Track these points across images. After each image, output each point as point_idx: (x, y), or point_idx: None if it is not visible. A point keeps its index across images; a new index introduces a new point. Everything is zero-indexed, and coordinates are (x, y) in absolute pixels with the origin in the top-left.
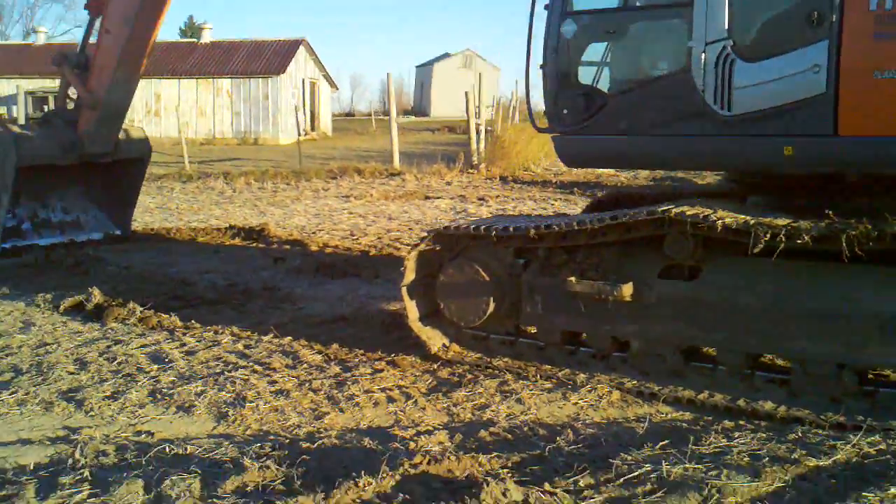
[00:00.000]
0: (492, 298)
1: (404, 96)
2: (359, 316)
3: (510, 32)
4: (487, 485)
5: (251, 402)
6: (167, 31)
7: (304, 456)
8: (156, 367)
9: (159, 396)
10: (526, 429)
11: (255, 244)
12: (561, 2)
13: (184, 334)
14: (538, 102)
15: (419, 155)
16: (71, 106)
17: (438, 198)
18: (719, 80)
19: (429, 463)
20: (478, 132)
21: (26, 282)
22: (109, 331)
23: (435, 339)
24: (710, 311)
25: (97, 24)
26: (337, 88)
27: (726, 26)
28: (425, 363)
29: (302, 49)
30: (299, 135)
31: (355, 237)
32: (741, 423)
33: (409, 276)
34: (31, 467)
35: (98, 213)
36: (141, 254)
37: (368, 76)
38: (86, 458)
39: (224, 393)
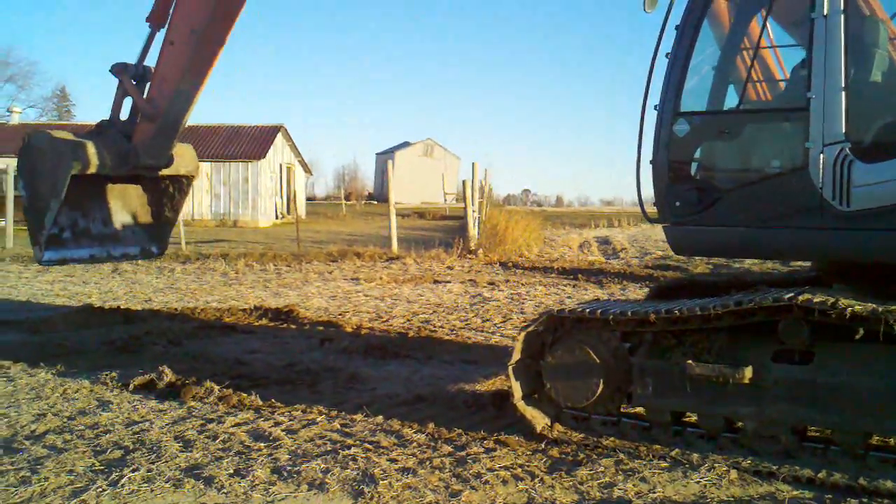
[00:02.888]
0: (601, 380)
1: (363, 182)
2: (437, 396)
3: (469, 122)
4: None
5: (381, 479)
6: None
7: None
8: (262, 444)
9: (285, 474)
10: None
11: (285, 325)
12: (672, 103)
13: (272, 413)
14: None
15: (408, 240)
16: (124, 117)
17: (448, 282)
18: (838, 178)
19: None
20: (474, 219)
21: (76, 361)
22: (193, 409)
23: (538, 419)
24: (826, 394)
25: (157, 35)
26: (311, 174)
27: (843, 129)
28: (530, 443)
29: (279, 134)
30: (277, 217)
31: (384, 319)
32: (864, 501)
33: (516, 356)
34: None
35: (136, 227)
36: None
37: (323, 161)
38: None
39: (349, 471)
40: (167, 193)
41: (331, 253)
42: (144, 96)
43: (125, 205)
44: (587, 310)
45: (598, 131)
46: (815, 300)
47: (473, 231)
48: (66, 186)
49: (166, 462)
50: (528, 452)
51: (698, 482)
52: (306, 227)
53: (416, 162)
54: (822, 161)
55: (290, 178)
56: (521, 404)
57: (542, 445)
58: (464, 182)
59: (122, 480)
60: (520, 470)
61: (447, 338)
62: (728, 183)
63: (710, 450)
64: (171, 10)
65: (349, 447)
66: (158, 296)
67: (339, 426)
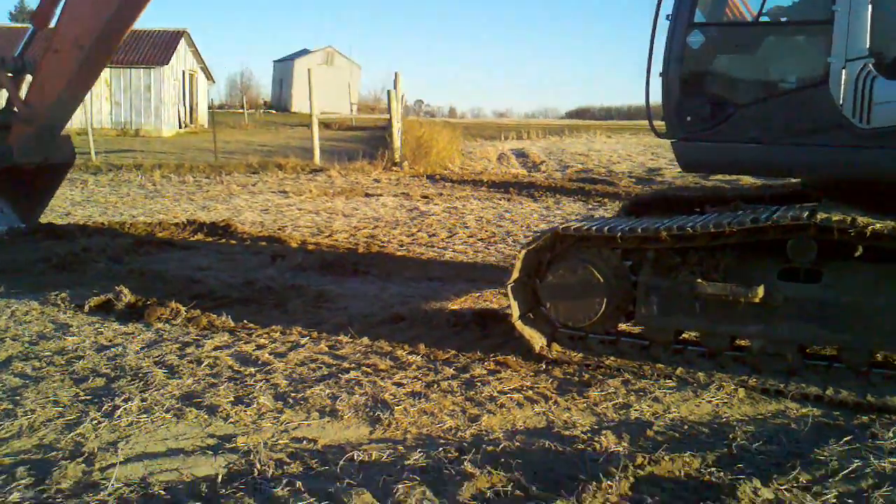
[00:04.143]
0: (604, 299)
1: (258, 90)
2: (416, 315)
3: (369, 30)
4: (739, 484)
5: (394, 405)
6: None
7: (509, 459)
8: (252, 369)
9: (290, 401)
10: (686, 427)
11: (223, 240)
12: (687, 13)
13: (249, 335)
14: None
15: (326, 152)
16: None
17: (379, 195)
18: (859, 94)
19: (649, 464)
20: (398, 131)
21: (15, 281)
22: (162, 332)
23: (535, 339)
24: (834, 313)
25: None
26: (213, 81)
27: (867, 45)
28: (529, 363)
29: (182, 39)
30: (180, 127)
31: (326, 234)
32: (872, 417)
33: (516, 275)
34: (220, 479)
35: (5, 206)
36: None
37: (215, 69)
38: (267, 468)
39: (357, 396)
40: (41, 179)
41: (251, 164)
42: (23, 96)
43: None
44: (594, 227)
45: (487, 38)
46: (834, 218)
47: (397, 143)
48: None
49: (157, 390)
50: (531, 374)
51: (709, 401)
52: (210, 137)
53: (317, 70)
54: (843, 77)
55: (193, 85)
56: (518, 324)
57: (543, 366)
58: (389, 92)
59: (118, 412)
60: (531, 392)
61: (399, 253)
62: (743, 97)
63: (710, 368)
64: (57, 14)
65: (347, 371)
66: (78, 209)
67: (326, 348)
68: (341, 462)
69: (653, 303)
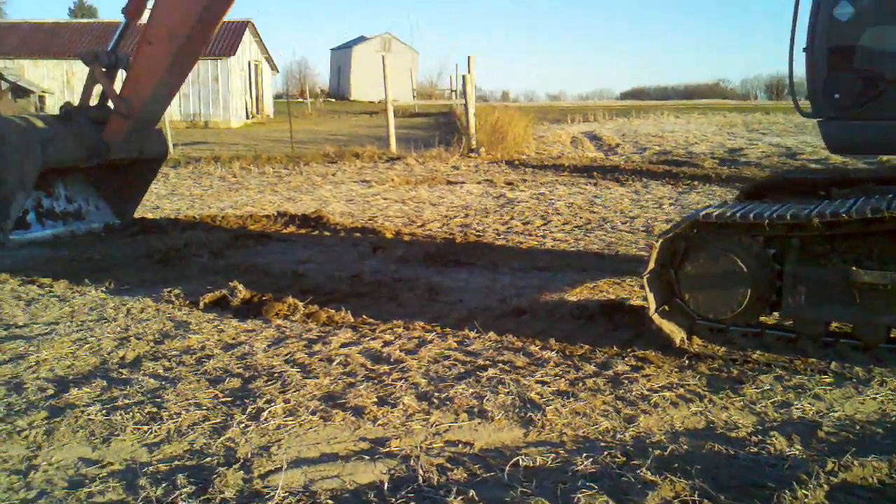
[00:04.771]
0: (749, 289)
1: (315, 79)
2: (536, 308)
3: (425, 17)
4: None
5: (544, 405)
6: (61, 11)
7: (684, 465)
8: (386, 367)
9: (435, 401)
10: (857, 428)
11: (317, 232)
12: None
13: (372, 331)
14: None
15: (397, 139)
16: (94, 102)
17: (462, 183)
18: None
19: (840, 469)
20: (468, 116)
21: (120, 277)
22: (283, 328)
23: (675, 332)
24: None
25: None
26: (277, 71)
27: None
28: (670, 358)
29: (247, 30)
30: (247, 117)
31: (418, 224)
32: None
33: (651, 265)
34: (386, 487)
35: (101, 202)
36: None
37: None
38: (430, 474)
39: (502, 396)
40: (134, 174)
41: (327, 154)
42: (119, 91)
43: (90, 183)
44: (737, 213)
45: (534, 20)
46: None
47: (473, 129)
48: (35, 179)
49: (296, 391)
50: (676, 369)
51: (874, 398)
52: (280, 126)
53: (374, 58)
54: None
55: (258, 76)
56: (656, 317)
57: (686, 361)
58: (464, 77)
59: (263, 415)
60: (682, 390)
61: (498, 243)
62: None
63: (867, 362)
64: (149, 5)
65: (484, 368)
66: (165, 202)
67: (455, 344)
68: (507, 468)
69: (801, 293)
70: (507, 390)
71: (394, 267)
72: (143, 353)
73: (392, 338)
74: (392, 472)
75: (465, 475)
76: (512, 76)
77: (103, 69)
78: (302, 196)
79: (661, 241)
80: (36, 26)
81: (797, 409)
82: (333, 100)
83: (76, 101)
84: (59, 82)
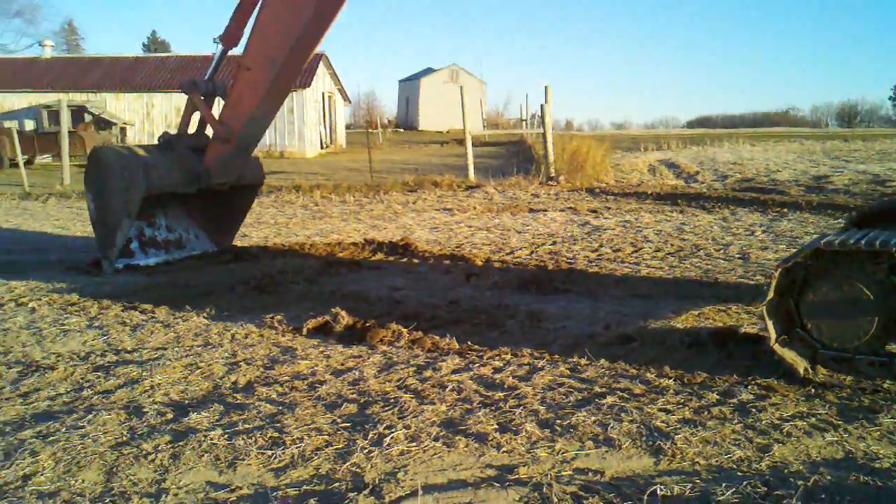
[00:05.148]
0: (875, 317)
1: (383, 110)
2: (644, 335)
3: (490, 48)
4: None
5: (671, 433)
6: (135, 46)
7: (833, 496)
8: (500, 393)
9: (558, 429)
10: None
11: (405, 259)
12: None
13: (479, 357)
14: None
15: (459, 168)
16: (192, 130)
17: (544, 210)
18: None
19: None
20: (545, 146)
21: (220, 304)
22: (389, 354)
23: (797, 362)
24: None
25: (230, 52)
26: (350, 102)
27: None
28: (794, 387)
29: (321, 62)
30: (322, 147)
31: (507, 251)
32: None
33: (772, 294)
34: None
35: (200, 232)
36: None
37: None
38: (564, 502)
39: (626, 424)
40: (233, 201)
41: (407, 182)
42: (217, 116)
43: (190, 211)
44: (863, 241)
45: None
46: None
47: (552, 157)
48: (139, 206)
49: (415, 417)
50: (803, 398)
51: None
52: (354, 156)
53: (442, 88)
54: None
55: (332, 107)
56: (777, 347)
57: (812, 390)
58: (542, 107)
59: (386, 441)
60: (813, 419)
61: (592, 270)
62: None
63: None
64: (247, 33)
65: (602, 395)
66: (252, 231)
67: (567, 371)
68: (645, 497)
69: None
70: (630, 418)
71: (489, 294)
72: (255, 379)
73: (501, 364)
74: (525, 499)
75: (600, 503)
76: (574, 105)
77: (202, 97)
78: (386, 224)
79: (780, 269)
80: (116, 60)
81: None
82: (402, 130)
83: (156, 133)
84: (139, 115)
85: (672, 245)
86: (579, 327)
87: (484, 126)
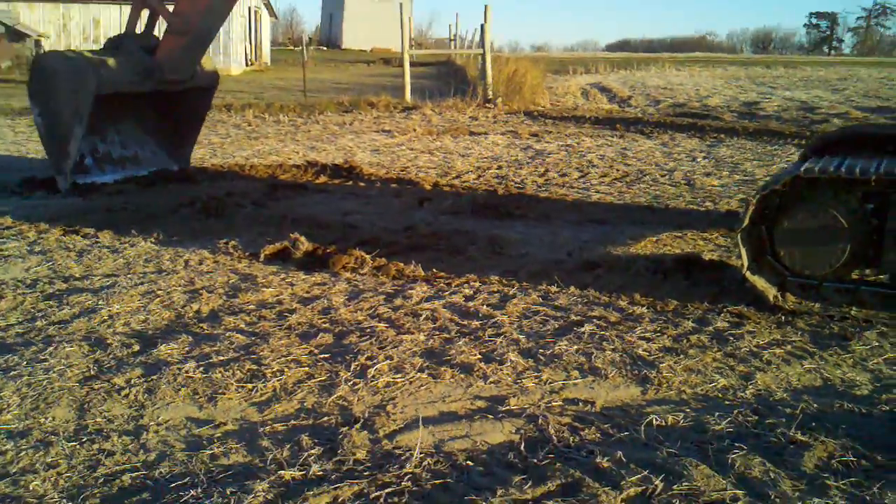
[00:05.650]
0: (848, 245)
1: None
2: (608, 262)
3: None
4: None
5: (655, 362)
6: None
7: (823, 423)
8: (476, 322)
9: (542, 358)
10: None
11: (351, 182)
12: None
13: (448, 285)
14: None
15: (392, 88)
16: (140, 30)
17: (485, 134)
18: None
19: None
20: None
21: (167, 227)
22: (355, 282)
23: (767, 289)
24: None
25: None
26: (277, 18)
27: None
28: (764, 314)
29: None
30: (247, 64)
31: (453, 175)
32: None
33: (747, 221)
34: (522, 447)
35: (155, 147)
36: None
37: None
38: (561, 433)
39: (608, 353)
40: (187, 107)
41: (342, 103)
42: (174, 9)
43: (143, 124)
44: (842, 168)
45: None
46: None
47: (490, 79)
48: (90, 108)
49: (395, 347)
50: (774, 325)
51: None
52: (280, 74)
53: (368, 5)
54: None
55: (257, 22)
56: (748, 274)
57: (782, 318)
58: (482, 27)
59: (369, 372)
60: (790, 347)
61: (543, 195)
62: None
63: None
64: None
65: (579, 324)
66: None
67: (539, 299)
68: (642, 428)
69: None
70: (612, 347)
71: (444, 219)
72: (219, 308)
73: (471, 292)
74: (521, 431)
75: (599, 435)
76: (495, 28)
77: None
78: (325, 146)
79: (758, 196)
80: None
81: None
82: (325, 48)
83: (73, 46)
84: (55, 26)
85: (617, 170)
86: (542, 253)
87: (412, 46)
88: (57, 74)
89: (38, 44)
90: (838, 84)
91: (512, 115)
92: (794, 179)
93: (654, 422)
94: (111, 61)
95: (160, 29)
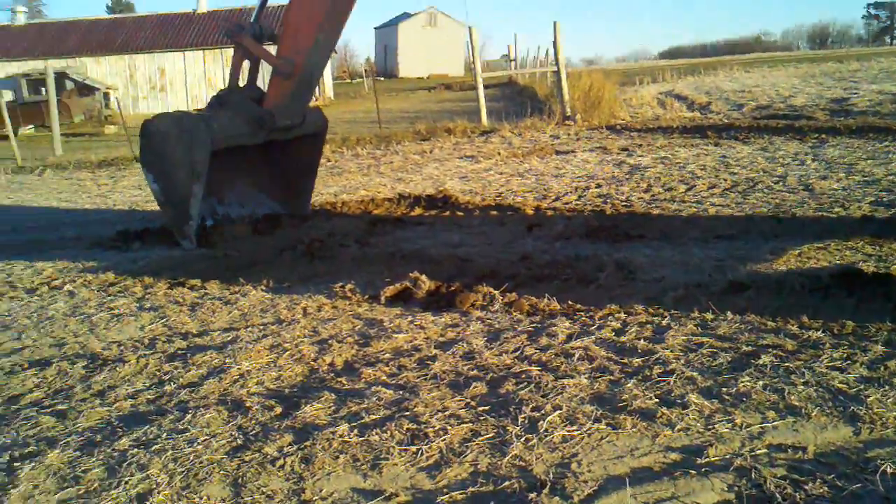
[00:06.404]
0: None
1: (358, 60)
2: (756, 281)
3: None
4: None
5: (859, 395)
6: (98, 7)
7: None
8: (637, 360)
9: (727, 398)
10: None
11: (448, 213)
12: None
13: (590, 318)
14: None
15: (463, 112)
16: (243, 83)
17: (572, 152)
18: None
19: None
20: (560, 83)
21: (274, 274)
22: (488, 321)
23: None
24: None
25: None
26: (336, 53)
27: None
28: None
29: None
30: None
31: (553, 198)
32: None
33: None
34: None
35: (271, 202)
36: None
37: None
38: (783, 489)
39: (802, 387)
40: (300, 155)
41: (418, 131)
42: (278, 52)
43: (258, 180)
44: None
45: None
46: None
47: (567, 96)
48: (207, 165)
49: (559, 394)
50: None
51: None
52: (345, 107)
53: (421, 33)
54: None
55: None
56: None
57: None
58: (555, 45)
59: (541, 425)
60: None
61: (655, 212)
62: None
63: None
64: None
65: (754, 356)
66: None
67: (697, 329)
68: (876, 477)
69: None
70: (802, 380)
71: (559, 245)
72: (353, 358)
73: (619, 325)
74: (735, 488)
75: (827, 489)
76: (541, 42)
77: (252, 39)
78: (411, 176)
79: None
80: (93, 23)
81: None
82: (382, 78)
83: (141, 96)
84: (122, 77)
85: (725, 180)
86: (679, 276)
87: (472, 69)
88: (169, 136)
89: (106, 96)
90: None
91: (594, 130)
92: None
93: (887, 469)
94: (221, 115)
95: (264, 79)
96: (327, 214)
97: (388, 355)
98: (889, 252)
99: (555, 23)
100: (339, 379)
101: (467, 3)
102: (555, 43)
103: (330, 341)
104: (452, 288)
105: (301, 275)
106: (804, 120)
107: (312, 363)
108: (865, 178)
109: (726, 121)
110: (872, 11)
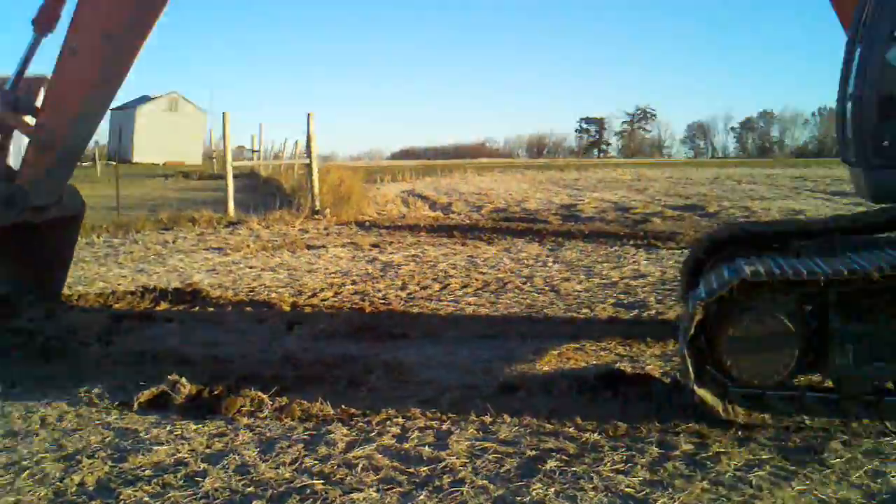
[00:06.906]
0: (797, 351)
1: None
2: (525, 383)
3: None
4: None
5: (647, 499)
6: None
7: None
8: (425, 468)
9: (510, 500)
10: None
11: (198, 308)
12: (890, 27)
13: (368, 425)
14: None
15: (205, 202)
16: None
17: (323, 247)
18: None
19: None
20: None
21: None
22: (259, 429)
23: (716, 403)
24: None
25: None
26: None
27: None
28: (717, 430)
29: None
30: None
31: (309, 294)
32: None
33: (692, 331)
34: None
35: (21, 289)
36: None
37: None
38: None
39: (593, 493)
40: (53, 240)
41: (160, 220)
42: (37, 121)
43: (5, 265)
44: (790, 271)
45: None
46: None
47: (317, 190)
48: None
49: None
50: (735, 443)
51: None
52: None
53: (161, 117)
54: None
55: None
56: (696, 387)
57: (735, 432)
58: (308, 136)
59: None
60: (769, 467)
61: (414, 311)
62: None
63: None
64: (69, 10)
65: (540, 460)
66: None
67: (478, 433)
68: None
69: (848, 352)
70: (591, 485)
71: (322, 345)
72: (107, 476)
73: (399, 431)
74: None
75: None
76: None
77: (10, 109)
78: (153, 267)
79: (700, 305)
80: None
81: (893, 476)
82: (114, 163)
83: None
84: None
85: (476, 279)
86: (450, 378)
87: (213, 158)
88: None
89: None
90: (635, 184)
91: (342, 226)
92: (740, 283)
93: None
94: None
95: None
96: (63, 307)
97: (148, 472)
98: (639, 352)
99: (308, 114)
100: (93, 503)
101: (212, 91)
102: (308, 134)
103: (78, 456)
104: (216, 392)
105: (36, 377)
106: (540, 223)
107: (59, 484)
108: (604, 281)
109: (468, 221)
110: (584, 125)
